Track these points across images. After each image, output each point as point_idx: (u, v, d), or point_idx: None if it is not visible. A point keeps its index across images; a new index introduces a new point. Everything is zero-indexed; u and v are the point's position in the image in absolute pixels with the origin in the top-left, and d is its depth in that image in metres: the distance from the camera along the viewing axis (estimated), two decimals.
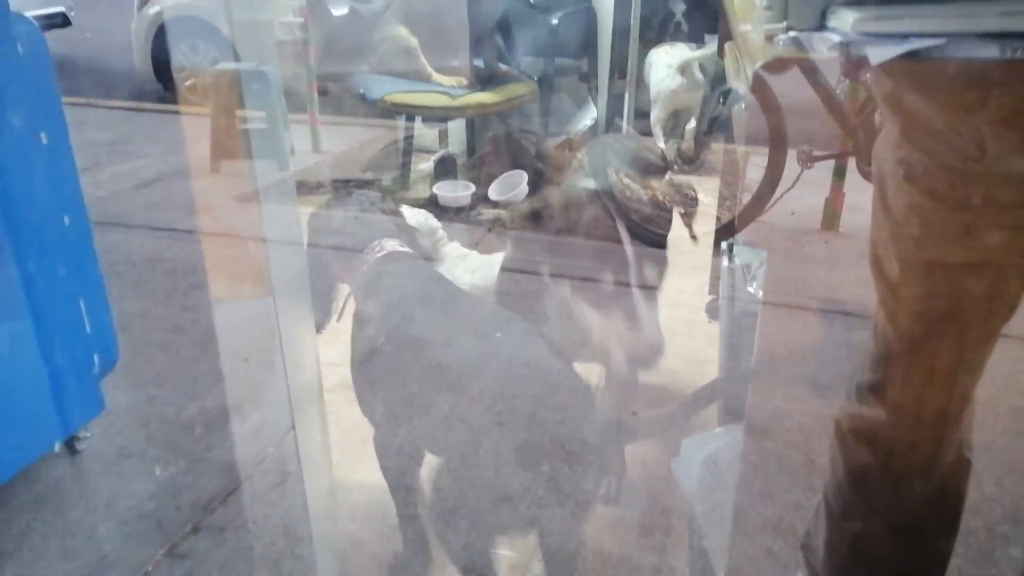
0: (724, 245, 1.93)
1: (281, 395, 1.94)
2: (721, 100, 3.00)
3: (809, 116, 2.81)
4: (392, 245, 1.41)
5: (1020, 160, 0.81)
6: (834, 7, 0.86)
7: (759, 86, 2.18)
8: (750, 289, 1.49)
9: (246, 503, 1.66)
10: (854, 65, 0.95)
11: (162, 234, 2.84)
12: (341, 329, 2.26)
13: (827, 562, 1.18)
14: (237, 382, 2.01)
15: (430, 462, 1.40)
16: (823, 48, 0.90)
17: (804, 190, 2.77)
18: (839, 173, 2.92)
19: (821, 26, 0.91)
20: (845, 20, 0.81)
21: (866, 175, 2.66)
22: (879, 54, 0.77)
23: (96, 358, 1.69)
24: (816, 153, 2.79)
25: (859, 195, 2.90)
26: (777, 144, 2.63)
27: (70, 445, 1.71)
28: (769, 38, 1.07)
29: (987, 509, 1.64)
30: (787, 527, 1.57)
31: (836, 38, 0.82)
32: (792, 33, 0.97)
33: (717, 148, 3.37)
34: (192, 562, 1.49)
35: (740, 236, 2.34)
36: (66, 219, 1.53)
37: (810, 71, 2.43)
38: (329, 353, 2.13)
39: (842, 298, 2.47)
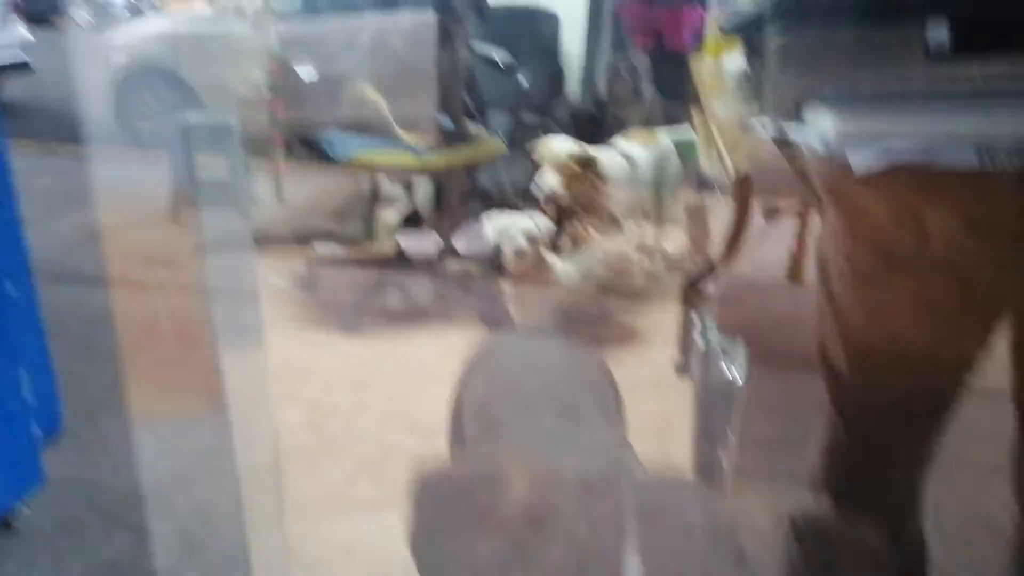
0: (695, 316, 1.90)
1: (235, 460, 1.86)
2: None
3: (773, 172, 2.85)
4: None
5: (968, 258, 0.80)
6: (812, 104, 0.85)
7: (739, 190, 2.19)
8: (727, 375, 1.44)
9: None
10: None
11: (116, 288, 2.75)
12: (302, 394, 2.19)
13: None
14: (188, 447, 1.92)
15: None
16: (802, 145, 0.89)
17: (769, 240, 2.79)
18: (802, 226, 2.95)
19: (796, 117, 0.90)
20: (824, 122, 0.80)
21: None
22: (862, 163, 0.76)
23: (37, 428, 1.61)
24: (779, 207, 2.82)
25: None
26: (741, 198, 2.65)
27: (5, 521, 1.60)
28: (744, 126, 1.07)
29: (956, 567, 1.62)
30: None
31: (816, 142, 0.81)
32: (769, 124, 0.97)
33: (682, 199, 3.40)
34: None
35: (714, 318, 2.33)
36: (9, 286, 1.46)
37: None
38: (288, 415, 2.06)
39: (808, 353, 2.47)
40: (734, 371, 1.44)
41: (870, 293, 0.89)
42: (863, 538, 1.01)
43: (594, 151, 2.71)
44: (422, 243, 2.96)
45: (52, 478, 1.67)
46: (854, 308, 0.91)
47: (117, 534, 1.65)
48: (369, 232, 3.04)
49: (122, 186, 3.90)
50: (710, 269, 2.58)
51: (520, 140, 2.99)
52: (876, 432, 0.95)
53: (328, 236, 3.08)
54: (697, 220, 3.35)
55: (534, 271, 2.39)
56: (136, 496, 1.75)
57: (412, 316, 2.71)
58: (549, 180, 2.61)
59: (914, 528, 1.03)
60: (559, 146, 2.67)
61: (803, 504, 1.07)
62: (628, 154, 2.84)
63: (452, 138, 2.72)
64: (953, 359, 0.90)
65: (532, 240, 2.33)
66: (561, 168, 2.61)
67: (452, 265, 2.85)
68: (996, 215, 0.77)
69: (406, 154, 2.66)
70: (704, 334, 1.58)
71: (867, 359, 0.92)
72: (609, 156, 2.76)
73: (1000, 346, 0.95)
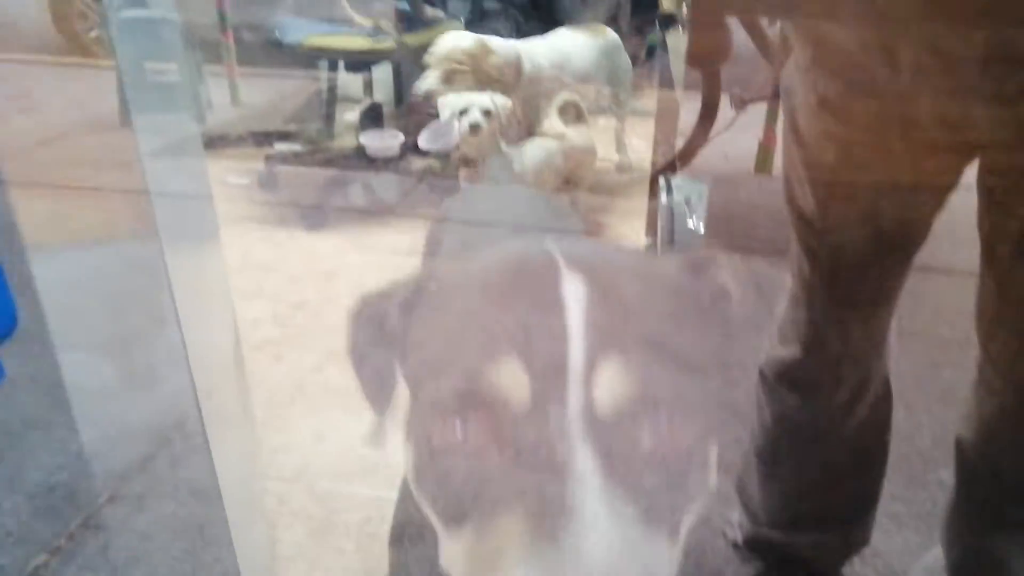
0: (661, 180, 1.88)
1: (202, 356, 1.84)
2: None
3: (741, 61, 2.79)
4: None
5: (936, 77, 0.78)
6: None
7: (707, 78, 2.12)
8: (690, 225, 1.42)
9: (167, 469, 1.57)
10: None
11: (66, 192, 2.65)
12: (266, 289, 2.16)
13: (763, 506, 1.18)
14: (153, 344, 1.89)
15: None
16: None
17: (738, 133, 2.75)
18: (771, 115, 2.91)
19: None
20: None
21: None
22: None
23: None
24: (748, 96, 2.77)
25: None
26: (710, 87, 2.60)
27: None
28: None
29: (918, 435, 1.68)
30: (728, 463, 1.57)
31: None
32: None
33: (651, 93, 3.33)
34: (109, 533, 1.40)
35: (677, 171, 2.30)
36: None
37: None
38: (253, 309, 2.03)
39: (776, 239, 2.48)
40: (698, 224, 1.43)
41: (837, 125, 0.87)
42: (833, 381, 1.02)
43: (511, 44, 2.55)
44: (384, 141, 2.87)
45: (13, 376, 1.64)
46: (820, 142, 0.89)
47: (84, 428, 1.63)
48: (329, 131, 2.94)
49: (68, 94, 3.73)
50: (678, 160, 2.55)
51: (480, 25, 2.87)
52: (844, 272, 0.95)
53: (287, 137, 2.97)
54: (667, 114, 3.29)
55: (488, 155, 2.30)
56: (99, 392, 1.73)
57: (376, 213, 2.66)
58: (426, 80, 2.43)
59: (880, 374, 1.05)
60: (447, 43, 2.46)
61: (772, 355, 1.08)
62: (564, 46, 2.71)
63: (410, 22, 2.60)
64: (921, 193, 0.89)
65: (487, 115, 2.25)
66: (440, 65, 2.42)
67: (415, 161, 2.78)
68: (968, 45, 0.75)
69: (361, 38, 2.55)
70: (668, 190, 1.56)
71: (834, 195, 0.91)
72: (535, 48, 2.63)
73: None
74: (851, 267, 0.93)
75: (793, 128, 0.93)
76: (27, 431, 1.62)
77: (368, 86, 3.18)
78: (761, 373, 1.09)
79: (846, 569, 1.24)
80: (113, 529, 1.40)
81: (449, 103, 2.28)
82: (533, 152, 2.43)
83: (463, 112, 2.24)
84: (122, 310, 1.98)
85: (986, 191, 0.83)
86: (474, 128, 2.23)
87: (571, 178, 2.56)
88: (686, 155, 2.65)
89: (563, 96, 2.50)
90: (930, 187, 0.88)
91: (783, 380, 1.05)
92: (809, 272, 0.97)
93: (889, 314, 1.00)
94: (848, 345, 0.99)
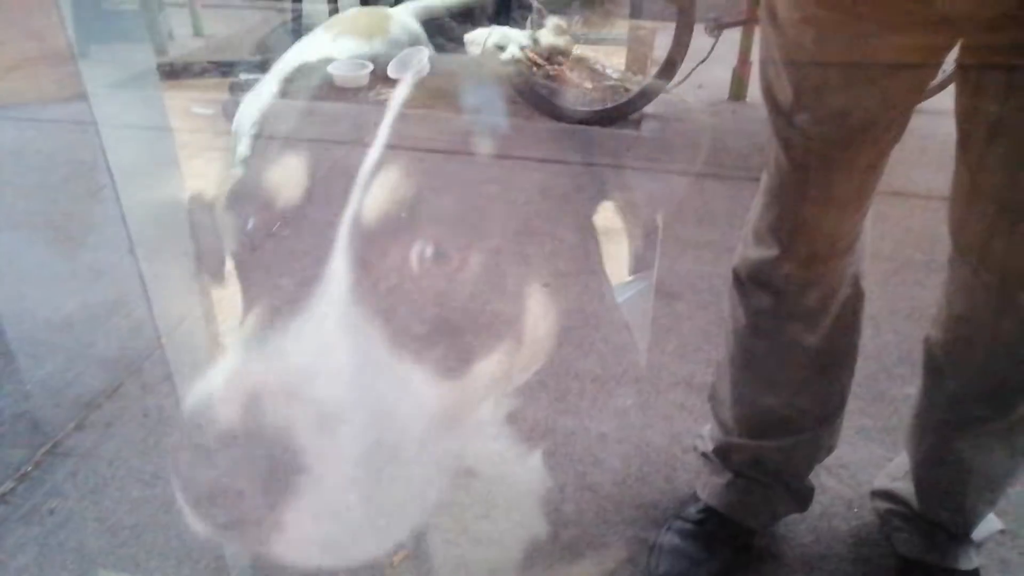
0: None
1: (171, 285, 1.80)
2: None
3: None
4: None
5: None
6: None
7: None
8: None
9: (136, 397, 1.55)
10: None
11: (28, 124, 2.56)
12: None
13: (733, 412, 1.18)
14: (121, 275, 1.85)
15: None
16: None
17: (712, 62, 2.70)
18: (746, 40, 2.87)
19: None
20: None
21: None
22: None
23: None
24: (724, 20, 2.72)
25: None
26: (684, 11, 2.54)
27: None
28: None
29: (885, 354, 1.70)
30: (699, 383, 1.58)
31: None
32: None
33: (623, 22, 3.26)
34: (77, 459, 1.39)
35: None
36: None
37: None
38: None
39: (750, 164, 2.46)
40: None
41: (818, 11, 0.83)
42: (806, 279, 1.01)
43: None
44: (351, 70, 2.79)
45: None
46: (799, 25, 0.87)
47: (52, 356, 1.61)
48: None
49: (17, 23, 3.57)
50: (651, 89, 2.50)
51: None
52: (819, 165, 0.93)
53: (253, 67, 2.88)
54: (640, 44, 3.23)
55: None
56: (69, 321, 1.70)
57: (342, 143, 2.60)
58: None
59: (853, 274, 1.04)
60: None
61: (745, 255, 1.07)
62: None
63: None
64: (901, 78, 0.86)
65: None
66: None
67: (383, 91, 2.71)
68: None
69: None
70: None
71: (813, 87, 0.88)
72: None
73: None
74: (827, 159, 0.92)
75: (771, 15, 0.90)
76: None
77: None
78: (735, 274, 1.09)
79: (813, 479, 1.25)
80: (81, 455, 1.39)
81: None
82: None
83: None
84: (87, 243, 1.94)
85: (964, 73, 0.81)
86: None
87: None
88: (658, 85, 2.60)
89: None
90: (910, 72, 0.86)
91: (756, 281, 1.05)
92: (785, 165, 0.95)
93: (863, 212, 0.98)
94: (821, 243, 0.99)
